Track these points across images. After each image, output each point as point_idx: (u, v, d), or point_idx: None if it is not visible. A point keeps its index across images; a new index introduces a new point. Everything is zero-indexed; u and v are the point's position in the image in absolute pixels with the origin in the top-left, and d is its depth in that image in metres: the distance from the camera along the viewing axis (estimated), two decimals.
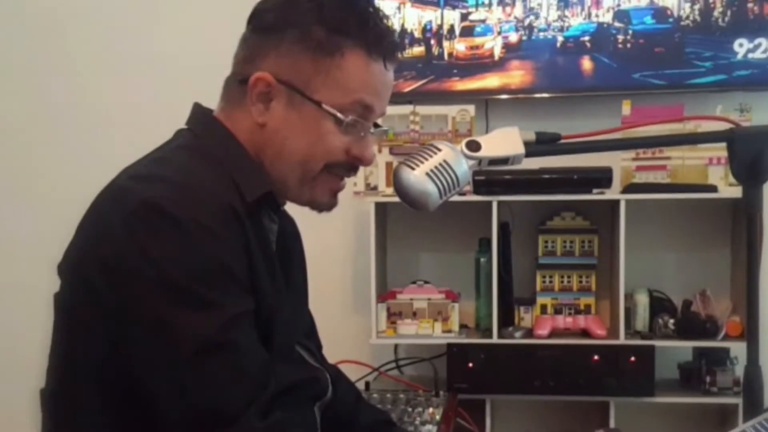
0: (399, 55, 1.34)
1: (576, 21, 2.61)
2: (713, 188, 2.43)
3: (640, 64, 2.58)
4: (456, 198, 1.39)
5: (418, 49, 2.68)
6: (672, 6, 2.56)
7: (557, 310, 2.54)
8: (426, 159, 1.22)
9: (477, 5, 2.65)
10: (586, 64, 2.62)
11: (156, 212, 1.13)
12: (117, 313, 1.15)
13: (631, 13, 2.59)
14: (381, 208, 2.56)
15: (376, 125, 1.34)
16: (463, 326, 2.55)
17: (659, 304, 2.53)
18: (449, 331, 2.48)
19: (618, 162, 2.49)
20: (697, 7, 2.54)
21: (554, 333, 2.50)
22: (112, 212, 1.17)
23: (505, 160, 1.28)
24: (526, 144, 1.28)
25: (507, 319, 2.53)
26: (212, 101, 1.35)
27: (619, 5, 2.59)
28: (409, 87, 2.66)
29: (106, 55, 2.87)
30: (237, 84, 1.30)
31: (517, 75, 2.65)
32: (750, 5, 2.52)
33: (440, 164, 1.22)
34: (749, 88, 2.53)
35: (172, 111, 1.37)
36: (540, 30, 2.62)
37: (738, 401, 2.33)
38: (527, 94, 2.66)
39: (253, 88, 1.26)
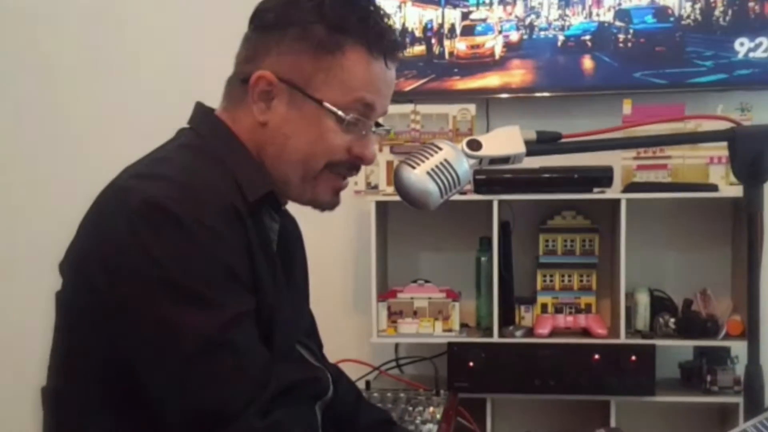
0: (400, 54, 1.34)
1: (577, 20, 2.61)
2: (714, 187, 2.43)
3: (641, 63, 2.58)
4: (457, 197, 1.39)
5: (418, 48, 2.68)
6: (673, 5, 2.56)
7: (558, 309, 2.54)
8: (427, 158, 1.22)
9: (478, 4, 2.65)
10: (587, 63, 2.62)
11: (158, 211, 1.13)
12: (118, 311, 1.15)
13: (632, 13, 2.59)
14: (382, 207, 2.56)
15: (378, 124, 1.34)
16: (463, 325, 2.55)
17: (660, 304, 2.53)
18: (450, 330, 2.48)
19: (619, 161, 2.49)
20: (698, 6, 2.54)
21: (555, 332, 2.50)
22: (114, 211, 1.17)
23: (505, 159, 1.28)
24: (527, 143, 1.28)
25: (508, 318, 2.53)
26: (214, 101, 1.35)
27: (620, 4, 2.59)
28: (409, 86, 2.66)
29: (108, 55, 2.87)
30: (238, 83, 1.30)
31: (517, 74, 2.65)
32: (751, 4, 2.52)
33: (441, 163, 1.22)
34: (750, 88, 2.53)
35: (174, 110, 1.37)
36: (541, 29, 2.62)
37: (739, 400, 2.33)
38: (528, 93, 2.66)
39: (254, 87, 1.26)
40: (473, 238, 2.60)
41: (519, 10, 2.63)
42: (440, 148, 1.23)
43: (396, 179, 1.24)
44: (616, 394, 2.41)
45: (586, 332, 2.50)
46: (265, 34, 1.28)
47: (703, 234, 2.65)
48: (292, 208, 1.40)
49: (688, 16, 2.55)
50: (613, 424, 2.42)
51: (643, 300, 2.50)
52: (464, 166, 1.23)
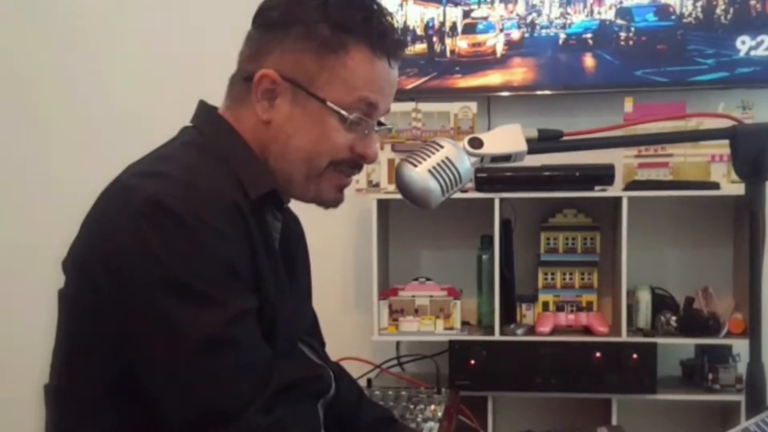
0: (403, 53, 1.34)
1: (578, 18, 2.61)
2: (715, 185, 2.43)
3: (642, 61, 2.58)
4: (458, 195, 1.39)
5: (420, 47, 2.68)
6: (674, 3, 2.56)
7: (559, 308, 2.54)
8: (428, 156, 1.22)
9: (479, 2, 2.65)
10: (589, 61, 2.61)
11: (160, 209, 1.13)
12: (120, 309, 1.15)
13: (634, 11, 2.59)
14: (383, 205, 2.56)
15: (380, 123, 1.34)
16: (464, 323, 2.55)
17: (661, 302, 2.52)
18: (451, 328, 2.48)
19: (620, 159, 2.49)
20: (699, 4, 2.54)
21: (556, 330, 2.50)
22: (117, 209, 1.17)
23: (507, 157, 1.28)
24: (529, 141, 1.28)
25: (509, 316, 2.53)
26: (217, 99, 1.35)
27: (621, 2, 2.59)
28: (411, 84, 2.66)
29: (110, 54, 2.87)
30: (242, 81, 1.30)
31: (519, 72, 2.65)
32: (752, 2, 2.52)
33: (442, 161, 1.22)
34: (751, 86, 2.53)
35: (177, 108, 1.38)
36: (542, 27, 2.62)
37: (740, 398, 2.34)
38: (529, 91, 2.66)
39: (257, 85, 1.27)
40: (474, 236, 2.60)
41: (520, 8, 2.63)
42: (442, 146, 1.23)
43: (397, 177, 1.24)
44: (618, 393, 2.41)
45: (587, 330, 2.50)
46: (268, 32, 1.28)
47: (704, 232, 2.65)
48: (293, 204, 1.40)
49: (690, 14, 2.55)
50: (614, 422, 2.42)
51: (645, 298, 2.50)
52: (466, 164, 1.24)
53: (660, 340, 2.41)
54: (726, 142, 1.27)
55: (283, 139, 1.28)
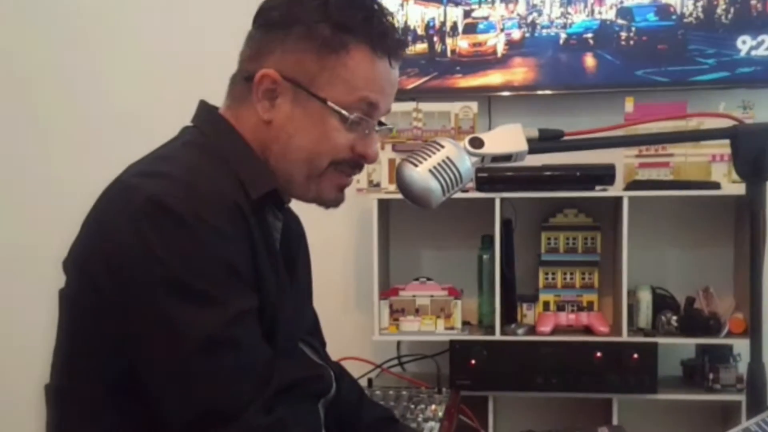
0: (403, 53, 1.34)
1: (579, 18, 2.61)
2: (716, 185, 2.43)
3: (643, 61, 2.58)
4: (459, 195, 1.40)
5: (421, 46, 2.68)
6: (675, 3, 2.56)
7: (560, 307, 2.54)
8: (429, 156, 1.22)
9: (480, 2, 2.65)
10: (589, 61, 2.61)
11: (161, 209, 1.13)
12: (121, 309, 1.15)
13: (634, 10, 2.59)
14: (384, 205, 2.56)
15: (381, 123, 1.34)
16: (465, 323, 2.55)
17: (662, 301, 2.52)
18: (452, 328, 2.48)
19: (621, 159, 2.49)
20: (700, 4, 2.54)
21: (557, 330, 2.50)
22: (118, 209, 1.17)
23: (508, 157, 1.28)
24: (529, 141, 1.28)
25: (509, 316, 2.53)
26: (218, 99, 1.35)
27: (622, 2, 2.59)
28: (412, 84, 2.66)
29: (110, 54, 2.88)
30: (242, 81, 1.30)
31: (519, 72, 2.65)
32: (753, 2, 2.52)
33: (443, 161, 1.22)
34: (752, 86, 2.53)
35: (177, 108, 1.37)
36: (543, 27, 2.62)
37: (741, 398, 2.33)
38: (530, 91, 2.66)
39: (258, 85, 1.27)
40: (475, 235, 2.60)
41: (521, 8, 2.63)
42: (442, 146, 1.23)
43: (398, 177, 1.24)
44: (618, 392, 2.41)
45: (588, 330, 2.49)
46: (269, 32, 1.28)
47: (705, 232, 2.65)
48: (294, 205, 1.40)
49: (690, 14, 2.55)
50: (615, 422, 2.42)
51: (646, 298, 2.50)
52: (466, 164, 1.24)
53: (661, 340, 2.41)
54: (727, 142, 1.27)
55: (283, 138, 1.27)
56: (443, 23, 2.66)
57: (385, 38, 1.27)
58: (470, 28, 2.66)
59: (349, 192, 1.36)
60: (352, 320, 2.74)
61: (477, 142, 1.26)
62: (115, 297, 1.15)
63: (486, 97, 2.65)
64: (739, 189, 2.30)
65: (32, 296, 2.28)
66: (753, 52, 2.52)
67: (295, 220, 1.46)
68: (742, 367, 2.35)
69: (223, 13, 2.69)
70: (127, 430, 1.20)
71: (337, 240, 2.76)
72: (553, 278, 2.54)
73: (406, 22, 2.65)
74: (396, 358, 2.61)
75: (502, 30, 2.64)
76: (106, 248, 1.16)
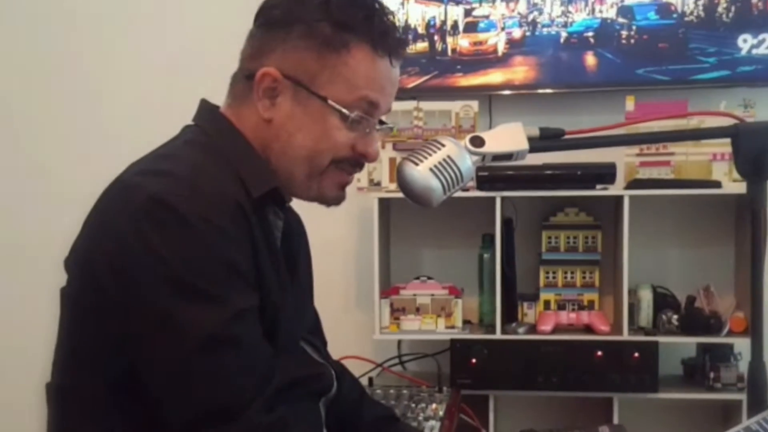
0: (404, 52, 1.34)
1: (579, 16, 2.61)
2: (717, 184, 2.42)
3: (643, 59, 2.58)
4: (459, 194, 1.39)
5: (421, 45, 2.67)
6: (676, 2, 2.56)
7: (560, 306, 2.54)
8: (430, 155, 1.22)
9: (480, 1, 2.65)
10: (590, 59, 2.61)
11: (162, 208, 1.13)
12: (122, 307, 1.15)
13: (635, 9, 2.59)
14: (384, 204, 2.56)
15: (382, 122, 1.34)
16: (466, 322, 2.55)
17: (663, 300, 2.52)
18: (452, 327, 2.48)
19: (622, 158, 2.49)
20: (701, 2, 2.54)
21: (557, 329, 2.50)
22: (119, 208, 1.17)
23: (508, 156, 1.28)
24: (530, 140, 1.28)
25: (510, 315, 2.53)
26: (219, 98, 1.35)
27: (622, 1, 2.59)
28: (412, 83, 2.66)
29: (113, 53, 2.87)
30: (243, 80, 1.30)
31: (520, 71, 2.64)
32: (754, 1, 2.51)
33: (444, 160, 1.22)
34: (753, 84, 2.53)
35: (179, 107, 1.37)
36: (543, 26, 2.62)
37: (742, 397, 2.33)
38: (531, 90, 2.66)
39: (259, 84, 1.27)
40: (476, 234, 2.60)
41: (521, 6, 2.63)
42: (443, 145, 1.23)
43: (399, 176, 1.24)
44: (619, 391, 2.41)
45: (588, 329, 2.49)
46: (270, 31, 1.28)
47: (706, 230, 2.64)
48: (295, 204, 1.40)
49: (691, 13, 2.55)
50: (616, 421, 2.42)
51: (646, 297, 2.49)
52: (467, 163, 1.24)
53: (661, 339, 2.41)
54: (728, 140, 1.27)
55: (284, 137, 1.28)
56: (444, 22, 2.66)
57: (386, 37, 1.27)
58: (471, 27, 2.66)
59: (349, 191, 1.36)
60: (353, 319, 2.75)
61: (478, 141, 1.26)
62: (117, 296, 1.15)
63: (487, 95, 2.65)
64: (740, 188, 2.29)
65: (33, 295, 2.28)
66: (754, 51, 2.52)
67: (296, 219, 1.46)
68: (743, 366, 2.35)
69: (224, 12, 2.69)
70: (128, 429, 1.20)
71: (337, 239, 2.76)
72: (554, 277, 2.54)
73: (406, 21, 2.65)
74: (397, 357, 2.62)
75: (502, 29, 2.64)
76: (108, 247, 1.16)
